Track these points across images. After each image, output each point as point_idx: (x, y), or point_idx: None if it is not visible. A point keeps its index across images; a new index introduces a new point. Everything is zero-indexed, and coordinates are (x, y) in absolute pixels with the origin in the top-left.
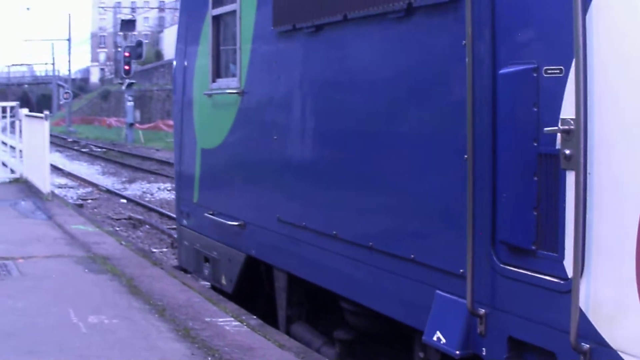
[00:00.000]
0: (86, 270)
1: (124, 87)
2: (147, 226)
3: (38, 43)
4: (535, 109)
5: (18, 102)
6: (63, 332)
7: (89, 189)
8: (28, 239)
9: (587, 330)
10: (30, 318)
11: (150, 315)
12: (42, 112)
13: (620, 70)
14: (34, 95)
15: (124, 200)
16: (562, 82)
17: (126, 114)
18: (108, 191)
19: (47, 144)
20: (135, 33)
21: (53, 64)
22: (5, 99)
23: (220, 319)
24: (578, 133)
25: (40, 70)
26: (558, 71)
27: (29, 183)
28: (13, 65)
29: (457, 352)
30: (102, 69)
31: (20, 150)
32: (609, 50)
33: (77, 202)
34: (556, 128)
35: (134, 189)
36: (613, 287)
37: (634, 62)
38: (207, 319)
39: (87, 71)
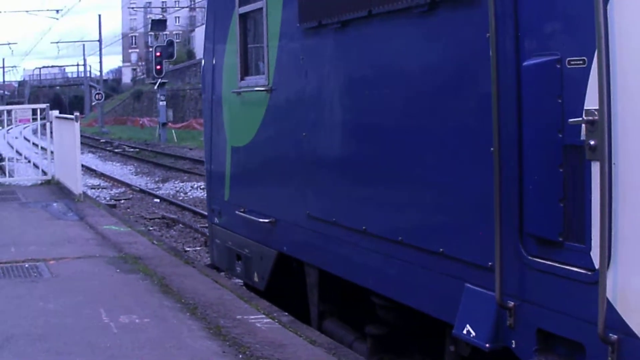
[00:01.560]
0: (117, 271)
1: (156, 87)
2: (180, 225)
3: (69, 45)
4: (560, 101)
5: (48, 104)
6: (94, 332)
7: (122, 189)
8: (59, 241)
9: (615, 321)
10: (61, 319)
11: (182, 314)
12: (74, 113)
13: (633, 59)
14: (66, 96)
15: (157, 200)
16: (586, 73)
17: (159, 113)
18: (141, 191)
19: (78, 145)
20: (166, 33)
21: (85, 65)
22: (37, 101)
23: (252, 317)
24: (602, 123)
25: (71, 72)
26: (581, 62)
27: (61, 184)
28: (44, 67)
29: (487, 345)
30: (133, 69)
31: (52, 152)
32: (631, 39)
33: (110, 203)
34: (580, 119)
35: (168, 188)
36: None
37: None
38: (239, 317)
39: (119, 71)
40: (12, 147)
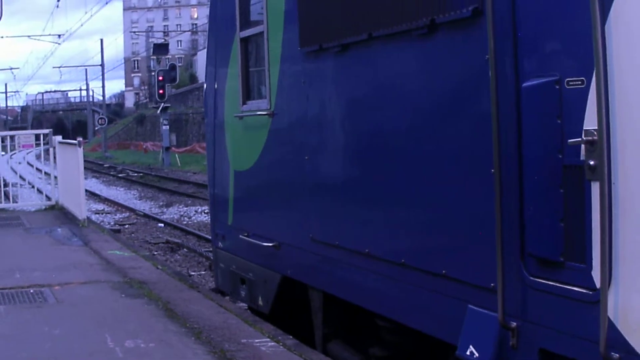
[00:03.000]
0: (122, 295)
1: (159, 111)
2: (184, 249)
3: (71, 69)
4: (559, 121)
5: (51, 130)
6: (99, 357)
7: (126, 214)
8: (64, 266)
9: (616, 339)
10: (66, 344)
11: (187, 338)
12: (77, 139)
13: (630, 80)
14: (69, 121)
15: (162, 224)
16: (584, 93)
17: (162, 137)
18: (145, 215)
19: (81, 170)
20: (168, 57)
21: (87, 89)
22: (40, 126)
23: (257, 340)
24: (601, 143)
25: (74, 96)
26: (580, 82)
27: (65, 210)
28: (47, 92)
29: None
30: (136, 94)
31: (55, 177)
32: (629, 59)
33: (114, 228)
34: (580, 139)
35: (172, 213)
36: None
37: None
38: (243, 340)
39: (121, 96)
40: (15, 173)
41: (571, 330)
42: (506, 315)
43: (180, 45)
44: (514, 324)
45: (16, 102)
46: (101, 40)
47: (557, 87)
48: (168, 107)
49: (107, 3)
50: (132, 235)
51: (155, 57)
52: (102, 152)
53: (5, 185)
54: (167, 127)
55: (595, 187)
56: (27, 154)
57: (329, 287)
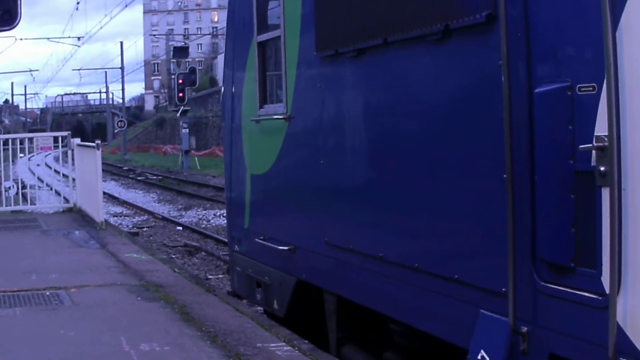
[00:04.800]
0: (139, 298)
1: (178, 114)
2: (202, 253)
3: (91, 72)
4: (571, 127)
5: (69, 132)
6: None
7: (145, 217)
8: (81, 268)
9: (625, 345)
10: (81, 347)
11: (202, 342)
12: (96, 141)
13: None
14: (89, 124)
15: (180, 228)
16: (596, 99)
17: (182, 141)
18: (164, 219)
19: (99, 172)
20: (188, 60)
21: (107, 92)
22: (60, 128)
23: (272, 344)
24: (611, 150)
25: (94, 99)
26: (591, 89)
27: (83, 212)
28: (66, 94)
29: None
30: (156, 97)
31: (74, 180)
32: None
33: (133, 231)
34: (590, 145)
35: (190, 216)
36: None
37: None
38: (259, 345)
39: (141, 99)
40: (34, 174)
41: (581, 336)
42: (517, 320)
43: (201, 49)
44: (524, 329)
45: (35, 104)
46: (121, 43)
47: (569, 93)
48: (188, 110)
49: (127, 6)
50: (150, 238)
51: (175, 60)
52: (121, 154)
53: (24, 187)
54: (187, 130)
55: (605, 193)
56: (46, 156)
57: (343, 291)
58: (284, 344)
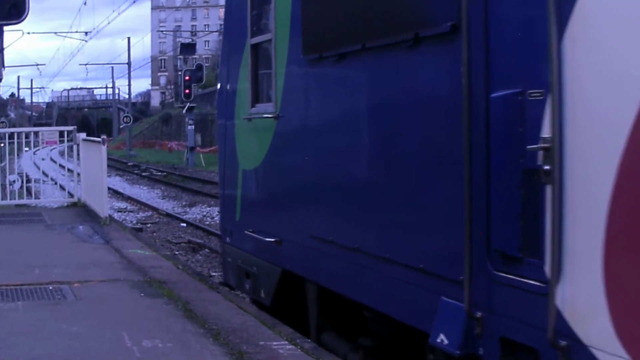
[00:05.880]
0: (142, 295)
1: (184, 111)
2: (206, 250)
3: (98, 67)
4: (521, 129)
5: (75, 127)
6: (116, 356)
7: (149, 213)
8: (84, 264)
9: (564, 328)
10: (83, 342)
11: (205, 339)
12: (101, 136)
13: (589, 92)
14: (94, 119)
15: (184, 224)
16: (543, 104)
17: (187, 137)
18: (168, 215)
19: (104, 168)
20: (195, 56)
21: (113, 87)
22: (65, 123)
23: (275, 343)
24: (554, 150)
25: (100, 94)
26: (539, 94)
27: (87, 207)
28: (72, 89)
29: (457, 352)
30: (162, 93)
31: (78, 174)
32: (580, 74)
33: (137, 226)
34: (537, 146)
35: (194, 213)
36: (585, 289)
37: (601, 85)
38: (262, 343)
39: (147, 94)
40: (38, 169)
41: (527, 320)
42: (472, 306)
43: (208, 46)
44: (479, 314)
45: (41, 99)
46: (128, 38)
47: (520, 98)
48: (194, 107)
49: (135, 1)
50: (154, 234)
51: (182, 57)
52: (126, 150)
53: (28, 181)
54: (193, 127)
55: (548, 190)
56: (51, 150)
57: (323, 280)
58: (286, 342)
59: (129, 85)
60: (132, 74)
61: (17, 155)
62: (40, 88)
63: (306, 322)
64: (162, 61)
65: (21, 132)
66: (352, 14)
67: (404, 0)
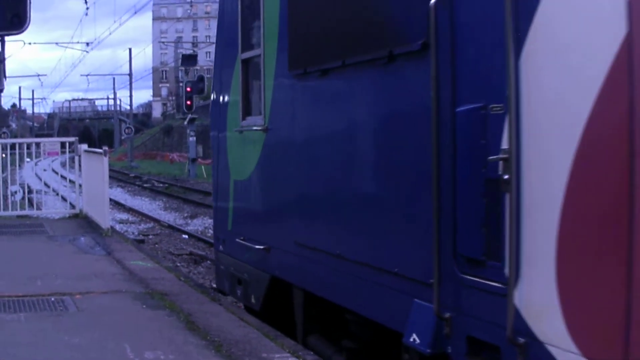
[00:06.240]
0: (144, 306)
1: (186, 122)
2: (208, 262)
3: (99, 78)
4: (484, 141)
5: (77, 138)
6: None
7: (151, 225)
8: (86, 275)
9: (522, 326)
10: (85, 354)
11: (207, 351)
12: (103, 147)
13: (541, 107)
14: (96, 130)
15: (186, 236)
16: (503, 117)
17: (189, 149)
18: (170, 227)
19: (106, 179)
20: (197, 68)
21: (115, 98)
22: (67, 134)
23: (277, 355)
24: (512, 161)
25: (101, 105)
26: (500, 108)
27: (89, 218)
28: (74, 99)
29: (428, 351)
30: (164, 104)
31: (80, 185)
32: (534, 89)
33: (138, 238)
34: (497, 157)
35: (196, 225)
36: (540, 289)
37: (551, 100)
38: (264, 355)
39: (149, 106)
40: (40, 179)
41: (490, 319)
42: (441, 307)
43: (209, 57)
44: (447, 315)
45: (43, 109)
46: (129, 49)
47: (483, 112)
48: (195, 118)
49: (136, 12)
50: (156, 246)
51: (183, 68)
52: (128, 161)
53: (30, 192)
54: (194, 138)
55: (507, 198)
56: (53, 161)
57: (309, 285)
58: (289, 354)
59: (130, 96)
60: (133, 85)
61: (19, 166)
62: (41, 99)
63: (294, 326)
64: (164, 72)
65: (23, 143)
66: (334, 32)
67: (380, 19)
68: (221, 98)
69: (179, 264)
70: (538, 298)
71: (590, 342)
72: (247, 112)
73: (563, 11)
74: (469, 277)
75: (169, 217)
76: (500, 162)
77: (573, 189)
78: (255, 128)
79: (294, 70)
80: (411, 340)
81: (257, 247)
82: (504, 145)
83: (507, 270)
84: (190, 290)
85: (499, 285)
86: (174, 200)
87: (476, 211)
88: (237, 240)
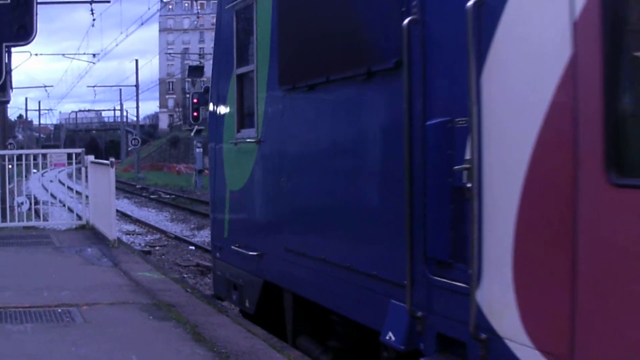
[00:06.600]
0: (150, 317)
1: (192, 134)
2: None
3: (106, 89)
4: (450, 152)
5: (83, 149)
6: None
7: (157, 236)
8: (93, 286)
9: (483, 323)
10: None
11: None
12: (109, 159)
13: (498, 121)
14: (102, 141)
15: (193, 247)
16: (467, 130)
17: (195, 160)
18: (176, 238)
19: (113, 190)
20: (203, 79)
21: (121, 109)
22: (73, 145)
23: None
24: (473, 170)
25: (108, 116)
26: (464, 122)
27: (95, 229)
28: (80, 110)
29: (402, 348)
30: (170, 115)
31: (87, 197)
32: (492, 104)
33: (145, 249)
34: (461, 167)
35: (203, 236)
36: (499, 288)
37: (507, 115)
38: None
39: (155, 117)
40: (47, 191)
41: (456, 317)
42: (413, 306)
43: None
44: (419, 314)
45: (49, 120)
46: (136, 60)
47: (450, 125)
48: (202, 129)
49: (143, 24)
50: (163, 257)
51: (190, 79)
52: (134, 173)
53: (37, 203)
54: (201, 149)
55: (470, 205)
56: (59, 172)
57: (297, 289)
58: None
59: (137, 107)
60: (140, 96)
61: (25, 177)
62: (48, 110)
63: (285, 328)
64: (170, 83)
65: (29, 154)
66: (319, 50)
67: (360, 39)
68: (218, 111)
69: (185, 275)
70: (497, 297)
71: (542, 336)
72: (241, 124)
73: (517, 32)
74: (438, 278)
75: (175, 228)
76: (464, 172)
77: (526, 196)
78: (249, 140)
79: (284, 85)
80: (387, 337)
81: (250, 253)
82: (467, 155)
83: (470, 271)
84: (197, 301)
85: (464, 285)
86: (180, 211)
87: (444, 217)
88: (233, 247)
